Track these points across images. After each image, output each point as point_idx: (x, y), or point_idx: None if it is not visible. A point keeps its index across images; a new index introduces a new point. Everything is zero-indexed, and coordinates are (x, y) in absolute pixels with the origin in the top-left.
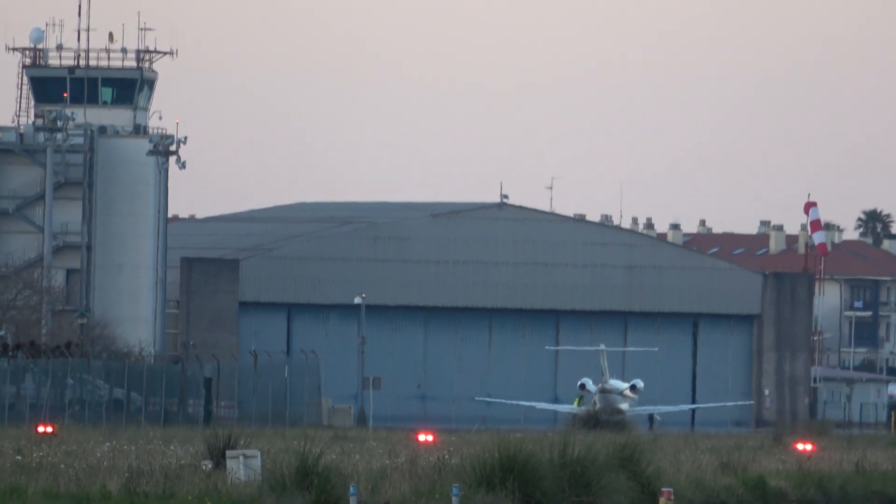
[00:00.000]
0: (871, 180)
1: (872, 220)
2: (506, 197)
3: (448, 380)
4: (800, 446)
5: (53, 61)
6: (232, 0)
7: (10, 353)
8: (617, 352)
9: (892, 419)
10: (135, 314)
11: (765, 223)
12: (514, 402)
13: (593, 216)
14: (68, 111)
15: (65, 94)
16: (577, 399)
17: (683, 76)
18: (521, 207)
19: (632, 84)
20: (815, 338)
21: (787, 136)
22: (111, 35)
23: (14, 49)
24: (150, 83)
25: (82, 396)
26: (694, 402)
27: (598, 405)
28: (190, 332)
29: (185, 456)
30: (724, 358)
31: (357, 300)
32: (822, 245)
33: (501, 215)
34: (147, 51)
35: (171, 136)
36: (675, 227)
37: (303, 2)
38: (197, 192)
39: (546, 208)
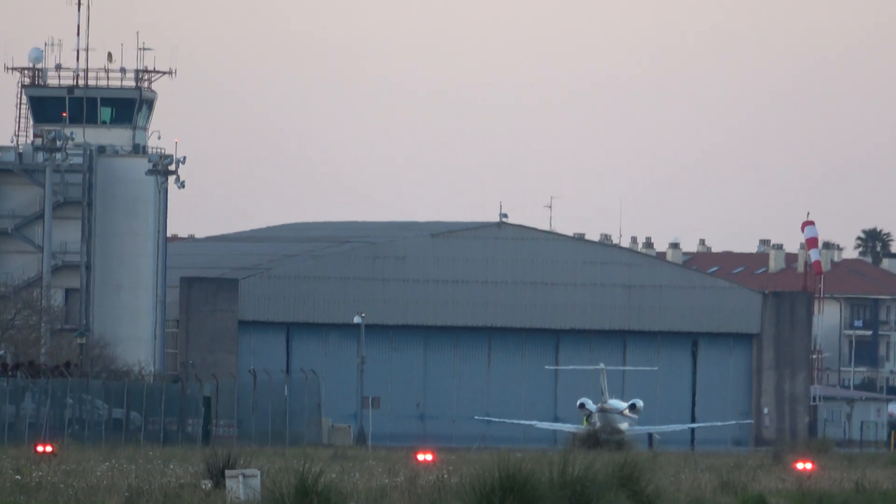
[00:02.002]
0: (871, 199)
1: (872, 239)
2: (505, 216)
3: (447, 399)
4: (800, 465)
5: (52, 81)
6: (230, 20)
7: (10, 373)
8: (616, 371)
9: (893, 438)
10: (134, 334)
11: (764, 242)
12: (514, 421)
13: (592, 235)
14: (67, 131)
15: (64, 114)
16: (584, 419)
17: (683, 95)
18: (520, 226)
19: (631, 103)
20: (815, 357)
21: (787, 155)
22: (110, 55)
23: (13, 69)
24: (149, 103)
25: (82, 416)
26: (693, 421)
27: (597, 424)
28: (189, 352)
29: (185, 475)
30: (724, 377)
31: (356, 319)
32: (817, 262)
33: (500, 234)
34: (146, 70)
35: (170, 156)
36: (675, 246)
37: (301, 22)
38: (196, 212)
39: (545, 227)
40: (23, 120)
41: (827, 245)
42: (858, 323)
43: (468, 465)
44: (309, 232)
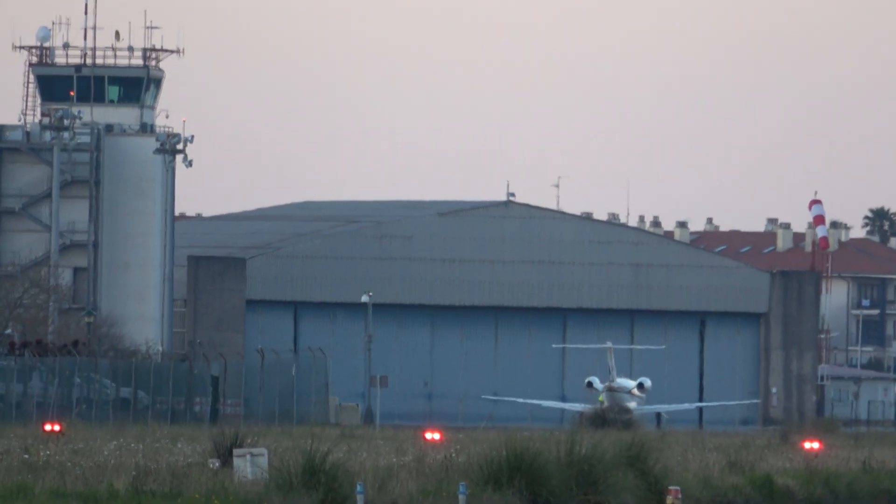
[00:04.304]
0: (879, 178)
1: (879, 218)
2: (512, 195)
3: (455, 378)
4: (807, 445)
5: (60, 60)
6: None
7: (17, 352)
8: (624, 350)
9: None
10: (142, 313)
11: (772, 221)
12: (521, 400)
13: (600, 214)
14: (75, 110)
15: (71, 93)
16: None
17: (690, 74)
18: (527, 206)
19: (638, 82)
20: (823, 336)
21: (795, 135)
22: (118, 33)
23: (21, 47)
24: (157, 81)
25: (89, 395)
26: (701, 400)
27: (605, 403)
28: (197, 331)
29: (193, 454)
30: (732, 356)
31: (364, 298)
32: (823, 238)
33: (508, 213)
34: (154, 49)
35: (178, 135)
36: (682, 225)
37: (308, 1)
38: (203, 191)
39: (553, 206)
40: (30, 99)
41: (834, 224)
42: (866, 302)
43: (476, 444)
44: (316, 211)
